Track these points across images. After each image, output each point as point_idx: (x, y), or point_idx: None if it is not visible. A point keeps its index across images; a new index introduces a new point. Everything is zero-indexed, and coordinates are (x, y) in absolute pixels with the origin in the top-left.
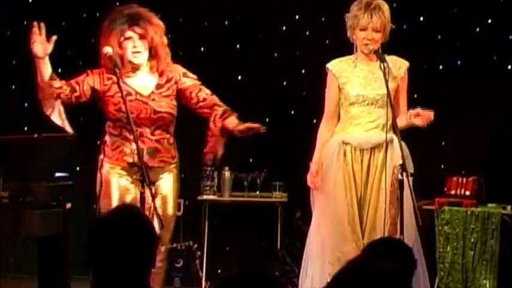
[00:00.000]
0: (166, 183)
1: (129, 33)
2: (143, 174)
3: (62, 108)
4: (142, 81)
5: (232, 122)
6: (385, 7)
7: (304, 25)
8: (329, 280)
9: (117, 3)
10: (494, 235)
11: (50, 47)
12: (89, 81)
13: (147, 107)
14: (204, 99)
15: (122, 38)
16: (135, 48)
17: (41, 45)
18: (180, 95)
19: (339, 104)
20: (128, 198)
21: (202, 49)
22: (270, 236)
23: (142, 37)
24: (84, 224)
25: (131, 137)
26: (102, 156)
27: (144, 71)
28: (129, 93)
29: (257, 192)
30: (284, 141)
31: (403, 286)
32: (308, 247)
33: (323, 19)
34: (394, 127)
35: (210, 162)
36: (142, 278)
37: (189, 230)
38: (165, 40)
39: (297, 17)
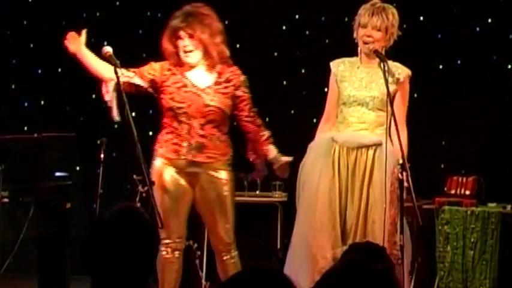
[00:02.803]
0: (219, 181)
1: (181, 33)
2: (143, 173)
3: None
4: (201, 76)
5: (274, 151)
6: (391, 11)
7: (304, 25)
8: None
9: (117, 3)
10: (494, 235)
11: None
12: (149, 70)
13: (199, 99)
14: (253, 116)
15: (175, 37)
16: (186, 48)
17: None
18: (235, 102)
19: (338, 104)
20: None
21: None
22: (270, 236)
23: (191, 36)
24: (84, 224)
25: (181, 132)
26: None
27: (202, 68)
28: (185, 85)
29: (257, 192)
30: (284, 140)
31: (390, 285)
32: (293, 244)
33: (323, 19)
34: (389, 129)
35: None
36: (143, 278)
37: (189, 229)
38: (218, 39)
39: (297, 16)
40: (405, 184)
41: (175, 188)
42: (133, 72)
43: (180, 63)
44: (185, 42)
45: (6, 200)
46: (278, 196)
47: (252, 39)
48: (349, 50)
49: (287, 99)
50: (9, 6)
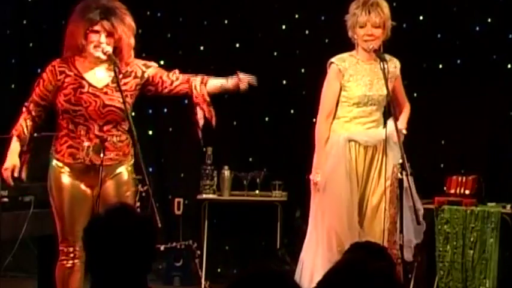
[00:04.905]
0: (116, 184)
1: (97, 27)
2: (143, 173)
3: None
4: (99, 75)
5: (213, 81)
6: (384, 4)
7: (304, 24)
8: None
9: None
10: (494, 234)
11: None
12: (42, 95)
13: (97, 100)
14: (178, 78)
15: (89, 29)
16: (101, 44)
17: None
18: (150, 84)
19: (345, 103)
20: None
21: (201, 48)
22: (270, 236)
23: (109, 34)
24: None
25: (79, 134)
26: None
27: (104, 66)
28: (82, 86)
29: (257, 191)
30: (284, 140)
31: (390, 284)
32: (311, 243)
33: (322, 18)
34: (396, 126)
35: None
36: (142, 277)
37: (188, 229)
38: (133, 42)
39: (296, 16)
40: (405, 184)
41: (75, 194)
42: (35, 102)
43: (78, 58)
44: (101, 38)
45: (6, 199)
46: (278, 195)
47: (252, 39)
48: (349, 49)
49: (287, 98)
50: (9, 6)
